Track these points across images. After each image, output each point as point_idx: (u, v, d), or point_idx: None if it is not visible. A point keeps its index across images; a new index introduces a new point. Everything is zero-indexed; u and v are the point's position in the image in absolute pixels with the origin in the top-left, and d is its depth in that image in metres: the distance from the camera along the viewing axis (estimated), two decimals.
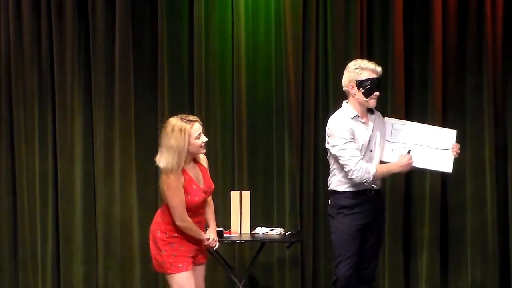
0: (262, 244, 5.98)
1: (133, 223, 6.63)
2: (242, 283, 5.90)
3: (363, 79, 5.06)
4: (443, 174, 5.92)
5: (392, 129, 5.26)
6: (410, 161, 5.14)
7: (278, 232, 6.09)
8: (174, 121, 4.73)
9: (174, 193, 4.68)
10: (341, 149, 5.02)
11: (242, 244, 6.32)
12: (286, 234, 6.08)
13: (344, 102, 5.18)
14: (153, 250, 4.83)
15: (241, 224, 6.06)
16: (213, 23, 6.48)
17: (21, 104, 6.74)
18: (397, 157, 5.18)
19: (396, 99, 6.26)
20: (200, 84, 6.50)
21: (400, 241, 6.31)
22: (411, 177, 6.28)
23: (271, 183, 6.46)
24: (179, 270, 4.74)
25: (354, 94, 5.09)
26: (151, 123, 6.62)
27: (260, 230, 6.11)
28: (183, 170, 4.73)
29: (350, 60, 5.25)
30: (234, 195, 6.08)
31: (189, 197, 4.73)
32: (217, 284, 6.42)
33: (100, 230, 6.67)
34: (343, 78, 5.14)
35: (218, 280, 6.42)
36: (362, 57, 5.65)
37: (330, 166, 5.18)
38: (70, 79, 6.69)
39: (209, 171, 6.43)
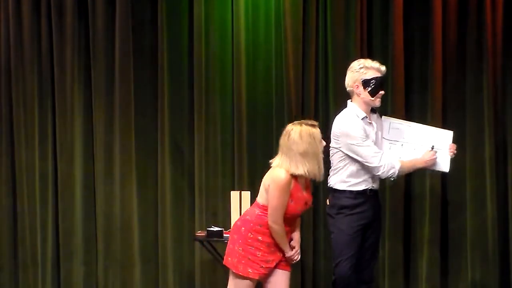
0: None
1: (133, 223, 6.63)
2: None
3: (369, 78, 5.05)
4: (442, 173, 5.92)
5: (390, 128, 5.26)
6: (434, 157, 5.16)
7: None
8: (299, 127, 4.64)
9: (280, 194, 4.60)
10: (363, 147, 5.00)
11: None
12: None
13: (348, 101, 5.16)
14: (230, 244, 4.73)
15: None
16: (213, 23, 6.48)
17: (21, 104, 6.75)
18: (395, 154, 5.20)
19: (396, 99, 6.26)
20: (200, 84, 6.49)
21: (400, 241, 6.31)
22: (411, 177, 6.27)
23: None
24: (246, 274, 4.64)
25: (360, 94, 5.08)
26: (151, 123, 6.62)
27: None
28: (295, 177, 4.65)
29: (350, 60, 5.25)
30: (234, 195, 6.06)
31: (292, 203, 4.65)
32: (217, 284, 6.42)
33: (100, 230, 6.67)
34: (347, 78, 5.13)
35: (218, 280, 6.41)
36: (362, 57, 5.65)
37: (332, 166, 5.16)
38: (70, 79, 6.69)
39: (209, 171, 6.50)
